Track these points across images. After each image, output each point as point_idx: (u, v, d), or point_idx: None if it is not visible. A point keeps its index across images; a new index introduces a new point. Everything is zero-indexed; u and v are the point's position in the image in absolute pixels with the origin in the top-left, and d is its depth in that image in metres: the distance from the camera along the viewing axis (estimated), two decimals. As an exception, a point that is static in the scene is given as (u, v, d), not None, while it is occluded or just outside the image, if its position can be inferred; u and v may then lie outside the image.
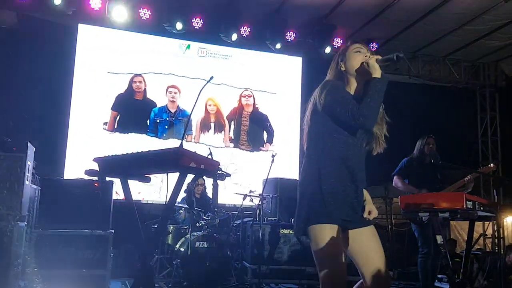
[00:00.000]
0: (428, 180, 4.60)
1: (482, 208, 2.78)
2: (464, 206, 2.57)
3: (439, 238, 3.03)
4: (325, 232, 2.02)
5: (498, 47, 8.14)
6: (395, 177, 4.87)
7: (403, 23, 7.34)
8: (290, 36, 7.43)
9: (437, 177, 4.70)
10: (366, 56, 2.20)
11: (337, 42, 7.53)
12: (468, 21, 7.15)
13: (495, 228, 3.23)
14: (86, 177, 4.14)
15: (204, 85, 2.12)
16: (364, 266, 2.15)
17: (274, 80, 7.77)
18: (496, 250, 6.16)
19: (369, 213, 2.20)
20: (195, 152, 1.97)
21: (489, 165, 4.77)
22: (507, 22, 7.16)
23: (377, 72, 2.12)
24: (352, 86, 2.24)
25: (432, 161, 4.09)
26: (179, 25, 6.84)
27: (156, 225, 5.28)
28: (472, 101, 9.32)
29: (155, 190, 6.50)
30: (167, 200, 1.88)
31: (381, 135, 2.22)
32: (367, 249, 2.15)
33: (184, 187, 5.70)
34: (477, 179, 4.54)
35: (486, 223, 6.82)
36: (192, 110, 2.22)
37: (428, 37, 7.84)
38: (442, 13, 6.89)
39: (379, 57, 2.16)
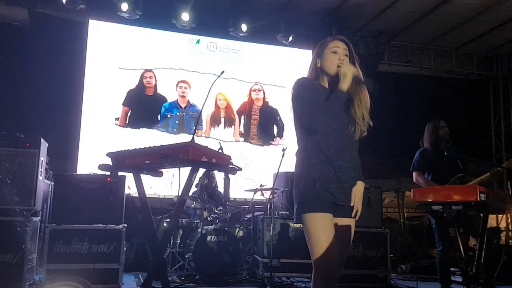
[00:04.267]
0: (449, 171, 4.16)
1: (495, 201, 2.75)
2: (478, 199, 2.54)
3: (452, 231, 3.00)
4: (317, 220, 2.11)
5: (511, 38, 8.02)
6: (414, 173, 4.36)
7: (414, 14, 7.26)
8: (300, 28, 7.40)
9: (458, 166, 4.22)
10: (340, 59, 2.21)
11: (347, 35, 7.46)
12: (480, 12, 7.05)
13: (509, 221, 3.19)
14: (99, 172, 4.19)
15: (215, 80, 2.12)
16: None
17: (284, 74, 7.74)
18: (511, 243, 6.11)
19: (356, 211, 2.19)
20: (207, 146, 1.98)
21: None
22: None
23: (344, 83, 2.12)
24: (325, 83, 2.28)
25: (446, 153, 3.89)
26: (187, 19, 6.84)
27: (168, 219, 5.32)
28: (485, 93, 9.21)
29: (166, 184, 6.54)
30: (179, 194, 1.89)
31: (360, 122, 2.22)
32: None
33: (196, 181, 5.75)
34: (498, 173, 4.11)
35: (500, 216, 6.74)
36: (203, 105, 2.22)
37: (440, 28, 7.75)
38: (454, 4, 6.80)
39: (355, 70, 2.16)
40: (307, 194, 2.13)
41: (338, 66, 2.16)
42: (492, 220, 7.11)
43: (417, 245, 6.72)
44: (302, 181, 2.16)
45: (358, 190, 2.18)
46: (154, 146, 1.95)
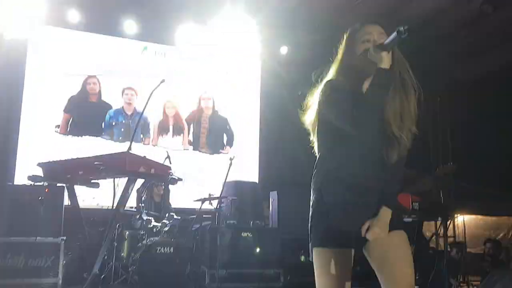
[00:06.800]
0: None
1: (429, 208, 2.88)
2: (410, 207, 2.65)
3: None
4: (321, 257, 1.75)
5: (452, 52, 8.44)
6: None
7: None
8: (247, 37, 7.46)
9: None
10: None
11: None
12: (423, 26, 7.39)
13: (443, 228, 3.35)
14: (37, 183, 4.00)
15: (155, 89, 2.09)
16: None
17: (233, 83, 7.76)
18: (450, 249, 6.42)
19: (368, 229, 1.76)
20: (145, 156, 1.94)
21: (449, 164, 4.19)
22: (464, 26, 7.44)
23: (382, 61, 1.72)
24: (364, 88, 1.84)
25: None
26: (133, 32, 6.77)
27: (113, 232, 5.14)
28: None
29: (110, 195, 6.33)
30: (114, 206, 1.84)
31: (401, 136, 1.83)
32: (383, 263, 1.82)
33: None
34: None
35: (439, 223, 7.05)
36: (143, 110, 2.17)
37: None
38: (401, 17, 7.08)
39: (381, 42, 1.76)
40: (315, 224, 1.78)
41: (365, 51, 1.77)
42: (431, 227, 7.45)
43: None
44: (313, 205, 1.80)
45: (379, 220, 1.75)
46: (88, 156, 1.88)
